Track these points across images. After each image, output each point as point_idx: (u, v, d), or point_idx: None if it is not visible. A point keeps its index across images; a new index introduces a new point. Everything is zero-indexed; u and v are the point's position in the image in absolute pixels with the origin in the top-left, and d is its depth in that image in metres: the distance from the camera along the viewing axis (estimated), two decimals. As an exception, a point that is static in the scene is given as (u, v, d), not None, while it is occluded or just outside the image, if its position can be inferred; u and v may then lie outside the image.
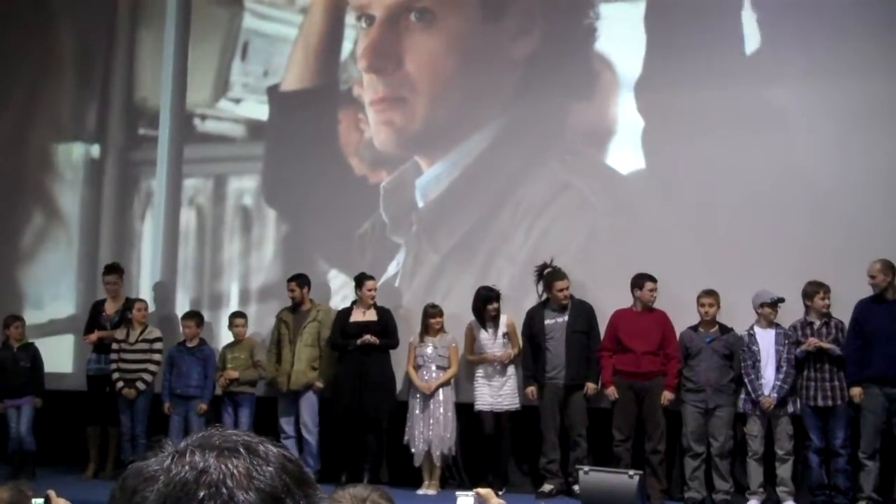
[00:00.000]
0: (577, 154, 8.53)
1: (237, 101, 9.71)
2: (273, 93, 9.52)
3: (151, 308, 9.21)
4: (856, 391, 7.28)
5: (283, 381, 8.53)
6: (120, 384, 8.68)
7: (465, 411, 8.32)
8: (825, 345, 7.42)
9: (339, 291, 9.13)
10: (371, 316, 8.45)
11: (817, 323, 7.53)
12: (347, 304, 8.69)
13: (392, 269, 8.95)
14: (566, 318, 8.02)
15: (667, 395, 7.72)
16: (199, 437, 1.11)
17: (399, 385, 8.51)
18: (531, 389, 8.01)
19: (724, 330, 7.78)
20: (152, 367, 8.74)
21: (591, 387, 7.94)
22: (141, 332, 8.80)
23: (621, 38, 8.49)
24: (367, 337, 8.30)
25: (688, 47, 8.21)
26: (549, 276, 8.07)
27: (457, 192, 8.76)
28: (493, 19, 8.72)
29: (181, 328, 8.80)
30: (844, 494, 7.34)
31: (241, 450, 1.07)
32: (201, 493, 1.03)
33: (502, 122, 8.73)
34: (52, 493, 3.23)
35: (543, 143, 8.58)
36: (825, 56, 7.91)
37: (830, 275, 7.49)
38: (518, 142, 8.66)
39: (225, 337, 9.09)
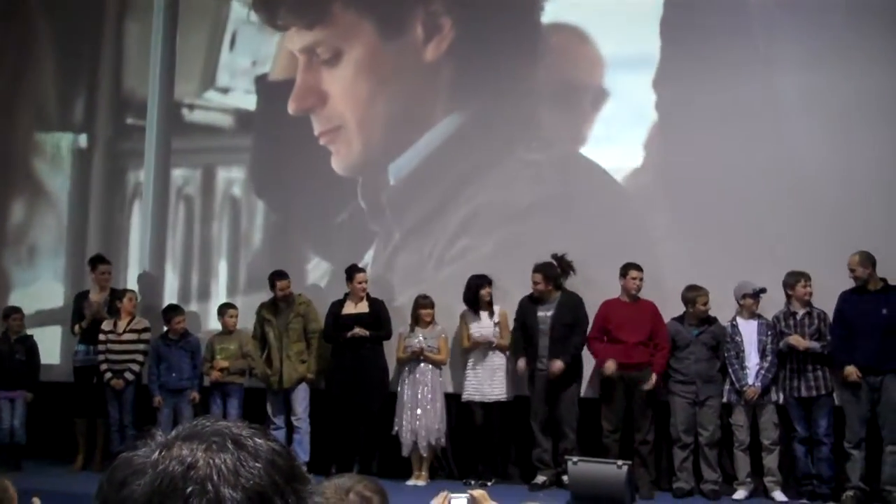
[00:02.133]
0: (552, 144, 8.53)
1: (225, 91, 9.69)
2: (261, 83, 9.51)
3: (139, 298, 9.17)
4: (850, 369, 7.28)
5: (275, 381, 8.52)
6: (108, 375, 8.66)
7: (455, 402, 8.33)
8: (808, 345, 7.45)
9: (323, 279, 9.12)
10: (363, 308, 8.45)
11: (800, 313, 7.56)
12: (334, 295, 8.68)
13: (380, 258, 8.95)
14: (553, 310, 8.03)
15: (653, 380, 7.71)
16: (188, 427, 1.09)
17: (391, 376, 8.50)
18: (521, 363, 7.96)
19: (710, 321, 7.80)
20: (140, 358, 8.72)
21: (556, 364, 7.87)
22: (129, 323, 8.77)
23: (576, 21, 8.58)
24: (357, 330, 8.29)
25: (673, 37, 8.21)
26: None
27: (423, 185, 8.84)
28: (395, 36, 9.07)
29: (171, 324, 8.71)
30: (828, 483, 7.40)
31: (230, 444, 1.05)
32: (188, 489, 1.02)
33: (459, 119, 8.85)
34: (36, 500, 3.20)
35: (512, 136, 8.60)
36: (812, 50, 7.91)
37: (815, 266, 7.50)
38: (483, 136, 8.71)
39: (214, 327, 9.07)
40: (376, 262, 8.96)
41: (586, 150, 8.51)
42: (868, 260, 7.31)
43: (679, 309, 7.83)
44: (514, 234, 8.47)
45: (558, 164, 8.51)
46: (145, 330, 8.81)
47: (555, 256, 8.08)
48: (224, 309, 8.81)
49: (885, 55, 7.77)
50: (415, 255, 8.84)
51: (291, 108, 9.30)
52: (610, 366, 7.73)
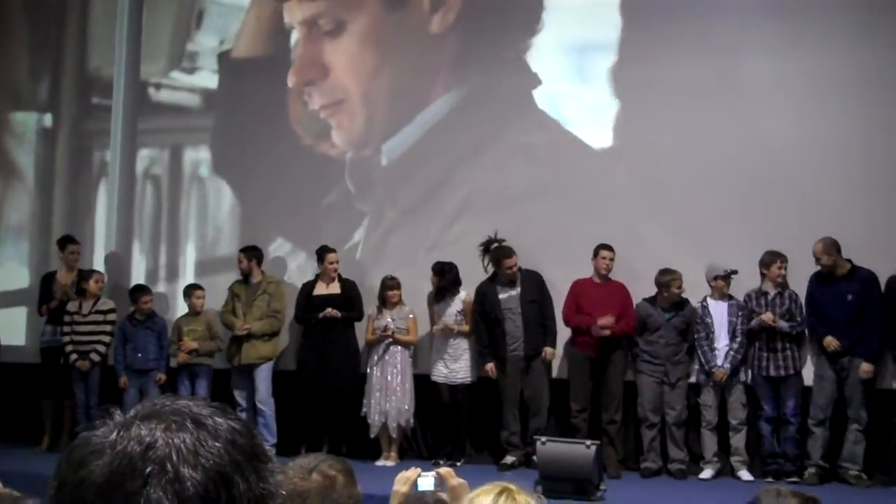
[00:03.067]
0: (531, 123, 8.52)
1: (192, 70, 9.59)
2: (224, 59, 9.42)
3: (106, 279, 9.11)
4: (829, 339, 7.34)
5: (233, 354, 8.50)
6: (74, 356, 8.59)
7: (424, 383, 8.33)
8: (778, 323, 7.51)
9: (294, 261, 9.09)
10: (335, 289, 8.42)
11: (771, 293, 7.63)
12: (303, 276, 8.65)
13: (354, 238, 8.92)
14: (518, 290, 8.04)
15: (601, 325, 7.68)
16: (146, 406, 1.08)
17: (362, 357, 8.49)
18: (490, 367, 8.01)
19: (682, 305, 7.84)
20: (106, 339, 8.65)
21: (549, 351, 7.96)
22: (94, 304, 8.69)
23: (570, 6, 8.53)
24: (329, 311, 8.27)
25: (649, 18, 8.22)
26: (496, 252, 8.07)
27: (401, 165, 8.81)
28: (399, 6, 8.92)
29: (138, 303, 8.66)
30: (793, 461, 7.49)
31: (189, 423, 1.04)
32: (147, 469, 1.01)
33: (455, 95, 8.78)
34: None
35: (497, 112, 8.58)
36: (785, 30, 7.94)
37: (787, 247, 7.55)
38: (472, 111, 8.66)
39: (181, 308, 9.02)
40: (353, 243, 8.90)
41: (564, 131, 8.51)
42: (832, 247, 7.36)
43: (651, 289, 7.87)
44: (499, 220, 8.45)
45: (547, 146, 8.48)
46: (111, 311, 8.74)
47: (492, 240, 8.10)
48: (190, 290, 8.75)
49: (855, 36, 7.80)
50: (403, 237, 8.77)
51: (291, 82, 9.13)
52: (607, 320, 7.68)
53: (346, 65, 9.01)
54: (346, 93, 9.02)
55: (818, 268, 7.48)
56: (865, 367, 7.28)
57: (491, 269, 8.13)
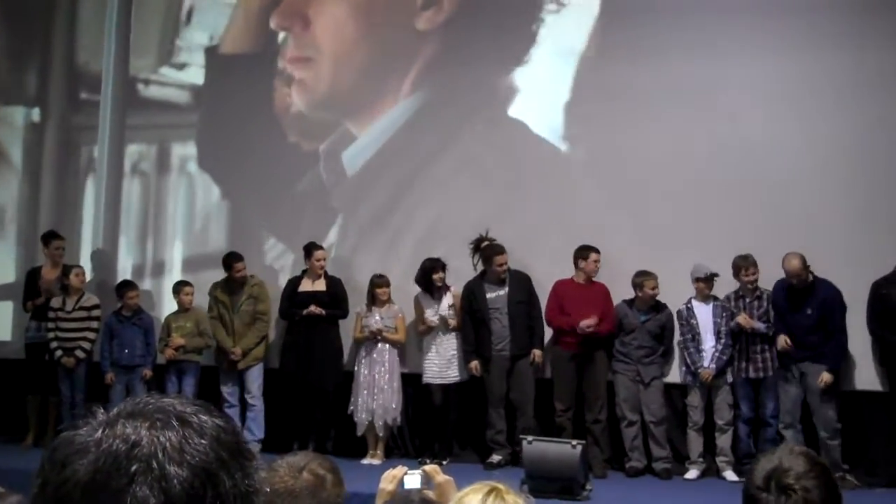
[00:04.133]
0: (505, 125, 8.52)
1: (181, 66, 9.57)
2: (211, 54, 9.39)
3: (90, 275, 9.07)
4: (781, 338, 7.43)
5: (230, 360, 8.46)
6: (59, 353, 8.55)
7: (412, 382, 8.33)
8: (754, 325, 7.56)
9: (280, 259, 9.07)
10: (320, 286, 8.40)
11: (749, 296, 7.67)
12: (288, 273, 8.64)
13: (332, 236, 8.91)
14: (506, 290, 8.05)
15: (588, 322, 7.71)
16: (130, 404, 1.08)
17: (346, 355, 8.48)
18: (474, 365, 8.02)
19: (659, 308, 7.87)
20: (91, 335, 8.61)
21: (537, 353, 7.98)
22: (78, 300, 8.64)
23: (559, 9, 8.51)
24: (314, 308, 8.26)
25: (629, 21, 8.22)
26: (487, 249, 8.07)
27: (382, 161, 8.79)
28: None
29: (124, 298, 8.62)
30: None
31: (174, 421, 1.04)
32: (133, 467, 1.01)
33: (425, 92, 8.78)
34: None
35: (468, 112, 8.58)
36: (764, 32, 7.97)
37: (768, 248, 7.57)
38: (441, 112, 8.67)
39: (167, 304, 8.99)
40: (340, 241, 8.90)
41: (539, 130, 8.51)
42: (804, 261, 7.38)
43: (628, 292, 7.89)
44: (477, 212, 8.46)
45: (517, 144, 8.51)
46: (95, 307, 8.69)
47: (483, 238, 8.09)
48: (179, 287, 8.72)
49: (835, 36, 7.82)
50: (380, 234, 8.77)
51: (273, 22, 9.13)
52: (589, 322, 7.70)
53: (327, 25, 9.00)
54: (318, 52, 9.02)
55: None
56: (826, 377, 7.34)
57: (481, 268, 8.13)
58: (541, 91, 8.51)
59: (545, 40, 8.50)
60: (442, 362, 8.14)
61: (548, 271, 8.10)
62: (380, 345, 8.21)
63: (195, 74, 9.51)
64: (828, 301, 7.40)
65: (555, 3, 8.51)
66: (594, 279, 7.98)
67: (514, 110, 8.56)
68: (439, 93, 8.73)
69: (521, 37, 8.52)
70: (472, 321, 8.07)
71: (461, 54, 8.63)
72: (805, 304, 7.43)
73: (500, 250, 8.03)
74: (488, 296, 8.05)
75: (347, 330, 8.43)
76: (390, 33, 8.88)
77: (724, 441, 7.65)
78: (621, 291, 7.94)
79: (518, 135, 8.52)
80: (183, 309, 8.65)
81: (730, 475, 7.56)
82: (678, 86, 8.06)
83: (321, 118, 9.00)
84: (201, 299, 8.73)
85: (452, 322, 8.14)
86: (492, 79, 8.58)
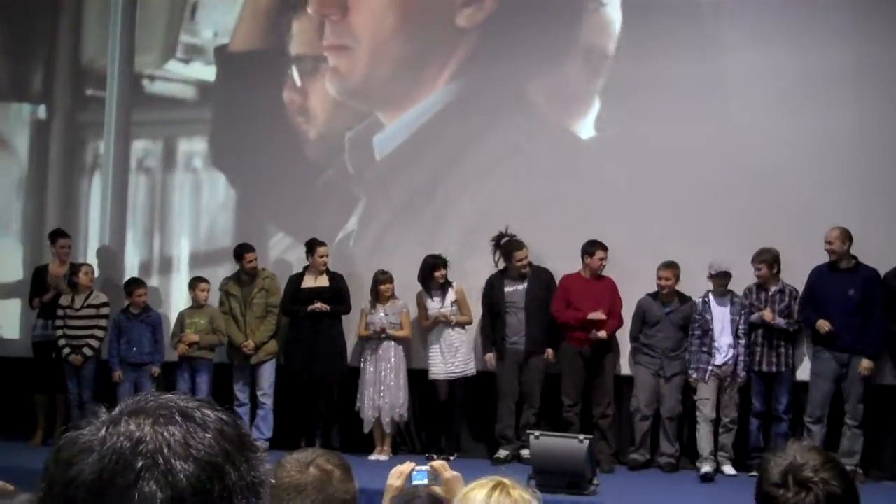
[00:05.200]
0: (533, 120, 8.50)
1: (186, 62, 9.57)
2: (221, 53, 9.39)
3: (97, 272, 9.08)
4: (822, 322, 7.33)
5: (242, 356, 8.46)
6: (66, 350, 8.55)
7: (418, 378, 8.33)
8: (777, 321, 7.50)
9: (287, 253, 9.05)
10: (323, 282, 8.40)
11: (772, 289, 7.61)
12: (298, 268, 8.63)
13: (343, 230, 8.90)
14: (525, 285, 8.04)
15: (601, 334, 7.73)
16: (132, 402, 1.08)
17: (350, 351, 8.48)
18: (490, 356, 8.02)
19: (683, 300, 7.84)
20: (99, 333, 8.61)
21: (550, 352, 7.97)
22: (86, 298, 8.64)
23: (587, 8, 8.48)
24: (318, 304, 8.25)
25: (658, 18, 8.18)
26: (507, 245, 8.06)
27: (410, 151, 8.75)
28: None
29: (132, 296, 8.61)
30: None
31: (178, 417, 1.04)
32: (139, 464, 1.01)
33: (457, 85, 8.73)
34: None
35: (499, 108, 8.54)
36: (763, 28, 7.96)
37: (785, 241, 7.55)
38: (473, 105, 8.62)
39: (175, 301, 8.99)
40: (358, 232, 8.87)
41: (552, 126, 8.49)
42: (847, 236, 7.36)
43: (645, 286, 7.88)
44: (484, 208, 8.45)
45: (541, 143, 8.47)
46: (104, 305, 8.69)
47: (503, 234, 8.09)
48: (195, 282, 8.70)
49: (834, 32, 7.80)
50: (398, 230, 8.73)
51: (311, 9, 9.06)
52: (597, 315, 7.71)
53: (366, 15, 8.93)
54: (355, 41, 8.95)
55: (814, 263, 7.47)
56: (866, 364, 7.27)
57: (502, 264, 8.11)
58: (572, 91, 8.45)
59: (580, 39, 8.46)
60: (446, 357, 8.14)
61: (573, 268, 8.05)
62: (385, 341, 8.20)
63: (201, 70, 9.50)
64: (868, 283, 7.31)
65: (595, 2, 8.47)
66: (602, 274, 7.96)
67: (545, 108, 8.50)
68: (473, 88, 8.66)
69: (560, 36, 8.45)
70: (489, 314, 8.07)
71: (499, 52, 8.55)
72: (847, 286, 7.32)
73: (519, 246, 8.02)
74: (507, 290, 8.05)
75: (351, 325, 8.42)
76: (428, 27, 8.84)
77: (727, 438, 7.64)
78: (645, 286, 7.91)
79: (547, 133, 8.47)
80: (198, 305, 8.63)
81: (728, 469, 7.57)
82: (702, 81, 8.02)
83: (352, 106, 8.96)
84: (214, 296, 8.71)
85: (455, 318, 8.13)
86: (524, 77, 8.51)
